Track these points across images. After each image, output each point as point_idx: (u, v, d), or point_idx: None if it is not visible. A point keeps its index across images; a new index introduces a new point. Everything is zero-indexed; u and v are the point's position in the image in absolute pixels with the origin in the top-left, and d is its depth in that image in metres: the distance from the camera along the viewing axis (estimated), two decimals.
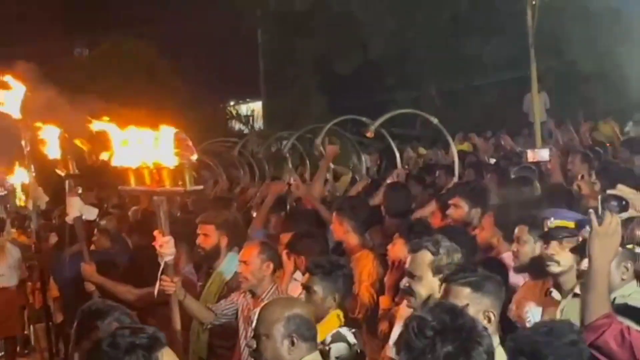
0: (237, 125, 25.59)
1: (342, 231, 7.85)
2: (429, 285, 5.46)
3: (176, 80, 22.98)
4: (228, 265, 7.67)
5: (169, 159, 5.39)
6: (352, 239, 7.79)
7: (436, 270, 5.47)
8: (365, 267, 7.23)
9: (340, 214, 7.94)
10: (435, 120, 11.32)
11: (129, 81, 19.13)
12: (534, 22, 14.61)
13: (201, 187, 5.91)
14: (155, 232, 5.84)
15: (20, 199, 12.77)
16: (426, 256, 5.53)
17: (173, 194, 5.80)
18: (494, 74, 23.48)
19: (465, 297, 4.68)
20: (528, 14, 14.71)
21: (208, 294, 7.63)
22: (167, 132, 5.47)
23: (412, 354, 3.48)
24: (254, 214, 10.45)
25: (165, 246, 5.80)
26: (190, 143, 5.56)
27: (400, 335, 3.66)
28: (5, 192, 12.99)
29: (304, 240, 7.42)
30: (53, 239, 10.79)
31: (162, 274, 5.97)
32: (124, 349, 3.66)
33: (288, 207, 10.51)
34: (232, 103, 28.48)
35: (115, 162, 5.52)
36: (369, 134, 11.80)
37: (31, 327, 13.82)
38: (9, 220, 12.82)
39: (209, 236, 7.80)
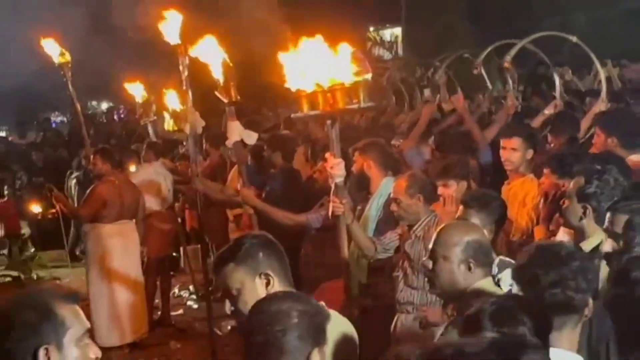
0: (377, 51, 25.45)
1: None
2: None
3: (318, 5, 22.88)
4: (384, 189, 7.75)
5: (346, 76, 5.43)
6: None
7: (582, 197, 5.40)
8: (530, 191, 7.17)
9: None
10: (574, 39, 11.06)
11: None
12: None
13: (374, 103, 5.91)
14: (327, 154, 5.91)
15: (169, 124, 12.96)
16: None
17: (347, 113, 5.85)
18: None
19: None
20: None
21: (366, 219, 7.72)
22: (345, 50, 5.51)
23: None
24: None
25: (336, 168, 5.87)
26: (367, 62, 5.60)
27: None
28: (155, 117, 13.24)
29: (458, 166, 7.42)
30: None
31: (332, 195, 6.05)
32: None
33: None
34: (372, 29, 28.29)
35: (291, 85, 5.56)
36: (507, 64, 11.63)
37: (181, 249, 14.20)
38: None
39: (355, 162, 7.92)
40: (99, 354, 3.43)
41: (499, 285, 5.32)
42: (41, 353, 3.24)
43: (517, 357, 2.46)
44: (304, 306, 3.61)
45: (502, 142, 7.69)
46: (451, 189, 7.15)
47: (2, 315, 3.30)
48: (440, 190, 7.22)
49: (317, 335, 3.57)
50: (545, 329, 3.90)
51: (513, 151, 7.57)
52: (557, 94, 11.62)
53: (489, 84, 14.33)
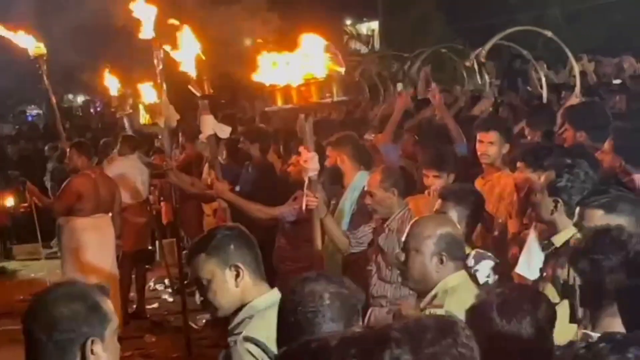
0: (354, 45, 25.41)
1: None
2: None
3: None
4: (358, 183, 7.76)
5: (319, 70, 5.43)
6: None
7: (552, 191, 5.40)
8: (506, 186, 7.18)
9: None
10: (549, 34, 11.15)
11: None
12: None
13: (347, 97, 5.94)
14: (301, 148, 5.93)
15: (144, 117, 12.93)
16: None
17: (321, 107, 5.87)
18: None
19: (598, 219, 4.55)
20: None
21: (340, 212, 7.73)
22: (318, 44, 5.52)
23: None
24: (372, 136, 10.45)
25: (310, 162, 5.88)
26: (340, 56, 5.61)
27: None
28: (131, 110, 13.19)
29: (451, 157, 7.46)
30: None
31: (306, 189, 6.06)
32: None
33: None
34: (348, 22, 28.26)
35: (265, 80, 5.56)
36: (482, 59, 11.73)
37: (156, 242, 14.17)
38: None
39: (328, 156, 7.93)
40: (119, 347, 3.53)
41: (475, 277, 5.35)
42: (88, 345, 3.30)
43: (381, 352, 2.47)
44: (337, 288, 3.63)
45: (480, 136, 7.67)
46: (441, 181, 7.18)
47: (52, 306, 3.34)
48: (430, 180, 7.22)
49: (349, 317, 3.59)
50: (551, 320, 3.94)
51: (490, 145, 7.57)
52: (544, 92, 11.66)
53: (479, 78, 14.35)
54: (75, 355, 3.30)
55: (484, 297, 4.04)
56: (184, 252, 10.60)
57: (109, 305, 3.43)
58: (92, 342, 3.31)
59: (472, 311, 3.88)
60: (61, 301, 3.34)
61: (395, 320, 6.33)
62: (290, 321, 3.57)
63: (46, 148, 17.73)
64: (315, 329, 3.49)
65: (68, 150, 11.31)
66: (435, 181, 7.19)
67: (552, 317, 4.03)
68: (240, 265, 4.21)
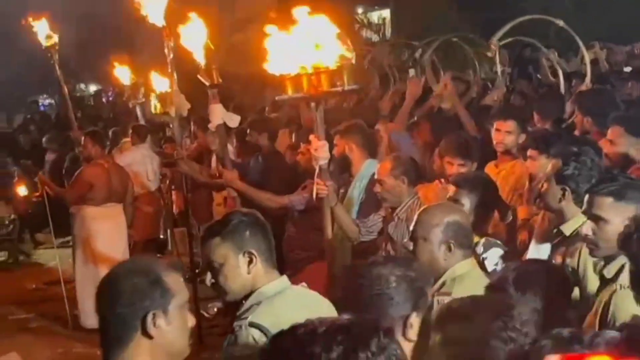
0: (365, 33, 25.28)
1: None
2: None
3: None
4: (366, 171, 7.78)
5: (330, 59, 5.44)
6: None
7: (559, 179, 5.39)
8: (522, 175, 7.18)
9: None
10: (561, 23, 11.14)
11: None
12: None
13: (357, 86, 5.93)
14: (311, 136, 5.94)
15: (155, 107, 12.97)
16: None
17: (331, 95, 5.87)
18: None
19: (608, 206, 4.56)
20: None
21: (349, 201, 7.75)
22: (329, 32, 5.52)
23: None
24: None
25: (320, 150, 5.91)
26: (350, 44, 5.60)
27: None
28: (143, 99, 13.23)
29: (475, 146, 7.47)
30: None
31: (316, 177, 6.08)
32: None
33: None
34: (360, 11, 28.15)
35: (272, 70, 5.57)
36: (493, 46, 11.72)
37: (168, 231, 14.22)
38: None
39: (336, 145, 7.94)
40: (194, 322, 3.55)
41: (484, 265, 5.37)
42: (149, 318, 3.35)
43: (367, 341, 2.50)
44: (404, 271, 3.73)
45: (497, 124, 7.68)
46: (466, 169, 7.18)
47: (115, 281, 3.42)
48: (455, 168, 7.20)
49: (416, 300, 3.68)
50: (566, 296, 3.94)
51: (508, 134, 7.59)
52: (560, 80, 11.63)
53: (498, 67, 14.30)
54: (136, 329, 3.36)
55: (501, 273, 4.08)
56: (195, 241, 10.67)
57: (175, 280, 3.46)
58: (154, 315, 3.35)
59: (490, 288, 3.92)
60: (123, 276, 3.42)
61: None
62: (359, 304, 3.64)
63: (44, 140, 17.69)
64: (381, 311, 3.58)
65: (82, 138, 11.36)
66: (460, 169, 7.17)
67: (567, 289, 4.05)
68: (254, 252, 4.23)
